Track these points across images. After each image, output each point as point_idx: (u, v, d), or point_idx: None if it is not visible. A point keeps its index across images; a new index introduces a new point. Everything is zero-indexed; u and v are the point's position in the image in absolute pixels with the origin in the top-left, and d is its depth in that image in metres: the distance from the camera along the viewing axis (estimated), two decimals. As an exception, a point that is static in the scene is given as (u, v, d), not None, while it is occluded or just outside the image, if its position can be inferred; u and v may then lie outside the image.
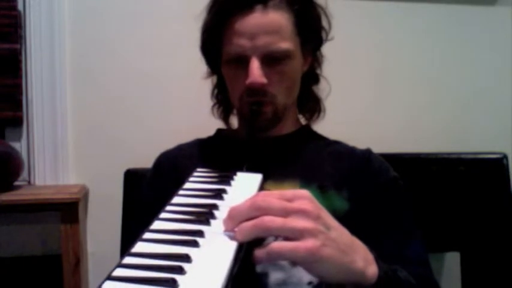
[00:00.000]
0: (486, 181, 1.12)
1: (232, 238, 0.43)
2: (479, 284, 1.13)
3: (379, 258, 0.52)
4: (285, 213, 0.44)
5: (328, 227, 0.45)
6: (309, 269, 0.45)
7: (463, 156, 1.15)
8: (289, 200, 0.45)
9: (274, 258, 0.44)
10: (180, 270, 0.37)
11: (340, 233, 0.47)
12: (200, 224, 0.45)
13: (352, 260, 0.47)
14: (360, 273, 0.47)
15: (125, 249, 0.93)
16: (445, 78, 1.46)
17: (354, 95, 1.38)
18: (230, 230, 0.44)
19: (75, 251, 1.12)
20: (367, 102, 1.41)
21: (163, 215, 0.48)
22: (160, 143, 0.90)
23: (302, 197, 0.46)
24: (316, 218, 0.45)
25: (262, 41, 0.70)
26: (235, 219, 0.44)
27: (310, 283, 0.64)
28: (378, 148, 0.84)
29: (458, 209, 1.12)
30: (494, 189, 1.12)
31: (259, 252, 0.43)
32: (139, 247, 0.42)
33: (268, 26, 0.70)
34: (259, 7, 0.71)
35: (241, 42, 0.71)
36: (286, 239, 0.44)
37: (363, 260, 0.48)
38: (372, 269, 0.49)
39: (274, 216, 0.43)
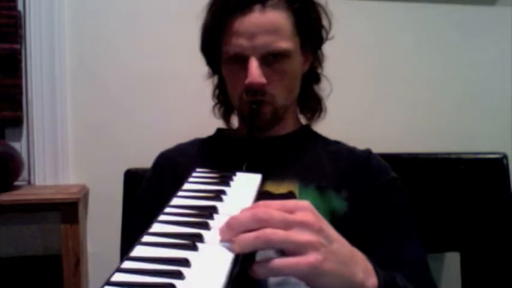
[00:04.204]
0: (486, 181, 1.12)
1: (229, 248, 0.42)
2: (479, 284, 1.13)
3: (377, 260, 0.52)
4: (287, 225, 0.43)
5: (329, 240, 0.45)
6: (310, 282, 0.45)
7: (463, 156, 1.15)
8: (291, 211, 0.44)
9: (275, 274, 0.43)
10: (179, 275, 0.37)
11: (341, 244, 0.47)
12: (199, 227, 0.45)
13: (353, 272, 0.47)
14: (360, 285, 0.48)
15: (124, 249, 0.93)
16: (445, 78, 1.46)
17: (353, 94, 1.38)
18: (227, 240, 0.43)
19: (75, 251, 1.13)
20: (367, 102, 1.41)
21: (162, 217, 0.48)
22: (160, 143, 0.90)
23: (303, 209, 0.45)
24: (318, 231, 0.44)
25: (261, 40, 0.70)
26: (234, 229, 0.43)
27: (309, 283, 0.64)
28: (377, 148, 0.84)
29: (458, 209, 1.11)
30: (494, 189, 1.11)
31: (259, 268, 0.42)
32: (138, 251, 0.41)
33: (267, 25, 0.70)
34: (257, 7, 0.70)
35: (240, 42, 0.70)
36: (284, 252, 0.43)
37: (363, 271, 0.48)
38: (371, 280, 0.49)
39: (276, 228, 0.42)
